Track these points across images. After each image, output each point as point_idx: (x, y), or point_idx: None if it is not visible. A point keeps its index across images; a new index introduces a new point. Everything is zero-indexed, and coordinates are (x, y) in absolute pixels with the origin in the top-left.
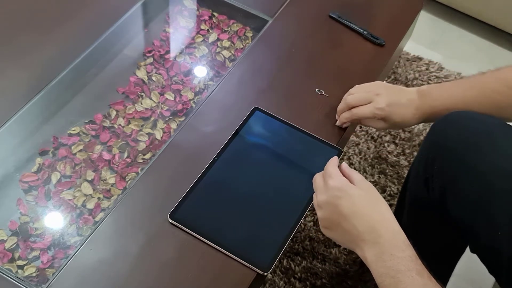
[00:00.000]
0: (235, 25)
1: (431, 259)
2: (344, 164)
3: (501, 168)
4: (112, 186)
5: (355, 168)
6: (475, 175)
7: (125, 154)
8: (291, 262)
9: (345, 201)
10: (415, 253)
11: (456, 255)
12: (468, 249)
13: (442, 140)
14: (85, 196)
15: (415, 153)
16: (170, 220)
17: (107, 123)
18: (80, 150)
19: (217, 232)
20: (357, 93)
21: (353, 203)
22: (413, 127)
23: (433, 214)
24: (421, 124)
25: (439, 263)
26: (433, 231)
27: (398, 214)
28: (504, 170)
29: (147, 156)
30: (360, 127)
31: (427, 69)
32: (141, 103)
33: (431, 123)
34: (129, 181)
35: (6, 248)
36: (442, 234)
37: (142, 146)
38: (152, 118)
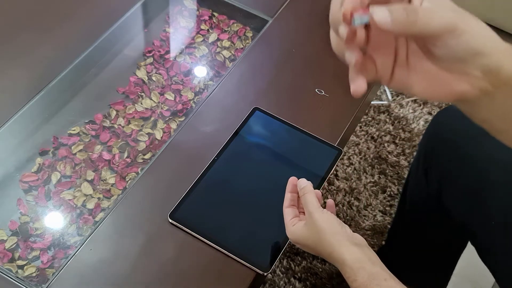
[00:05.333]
0: (235, 25)
1: (432, 257)
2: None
3: (497, 160)
4: (112, 186)
5: (355, 169)
6: (471, 166)
7: (125, 154)
8: (291, 262)
9: (301, 245)
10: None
11: (457, 252)
12: (467, 249)
13: (442, 131)
14: (85, 196)
15: (415, 153)
16: (170, 220)
17: (107, 123)
18: (80, 150)
19: (217, 232)
20: None
21: (304, 245)
22: (413, 127)
23: (432, 208)
24: (421, 124)
25: (440, 261)
26: (434, 228)
27: (399, 214)
28: (500, 162)
29: (147, 156)
30: (360, 127)
31: None
32: (141, 103)
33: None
34: (129, 181)
35: (6, 248)
36: (442, 230)
37: (142, 146)
38: (152, 118)
